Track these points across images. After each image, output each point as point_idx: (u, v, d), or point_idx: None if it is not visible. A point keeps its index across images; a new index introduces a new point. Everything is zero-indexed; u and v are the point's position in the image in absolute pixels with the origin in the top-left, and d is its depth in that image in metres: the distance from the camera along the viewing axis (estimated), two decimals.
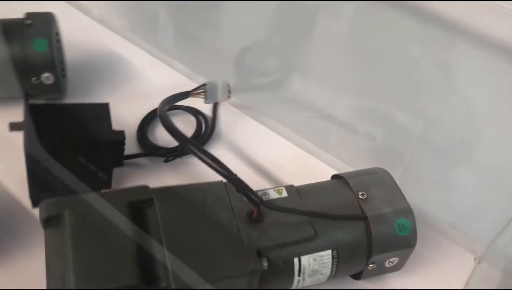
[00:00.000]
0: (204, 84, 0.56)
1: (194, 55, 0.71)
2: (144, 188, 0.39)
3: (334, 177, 0.47)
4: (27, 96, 0.46)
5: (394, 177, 0.45)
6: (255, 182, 0.41)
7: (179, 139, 0.40)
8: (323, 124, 0.64)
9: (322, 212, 0.41)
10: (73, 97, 0.60)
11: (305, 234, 0.40)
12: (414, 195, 0.45)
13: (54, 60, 0.54)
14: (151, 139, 0.57)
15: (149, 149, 0.55)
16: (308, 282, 0.41)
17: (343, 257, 0.41)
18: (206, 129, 0.58)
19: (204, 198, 0.40)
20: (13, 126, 0.44)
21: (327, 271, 0.41)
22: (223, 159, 0.38)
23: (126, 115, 0.58)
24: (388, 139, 0.61)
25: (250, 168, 0.56)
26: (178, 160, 0.55)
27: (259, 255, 0.38)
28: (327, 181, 0.46)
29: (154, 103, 0.53)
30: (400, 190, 0.44)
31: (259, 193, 0.41)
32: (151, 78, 0.66)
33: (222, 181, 0.41)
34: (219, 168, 0.38)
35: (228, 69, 0.67)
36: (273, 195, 0.42)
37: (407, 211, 0.42)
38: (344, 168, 0.50)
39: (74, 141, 0.45)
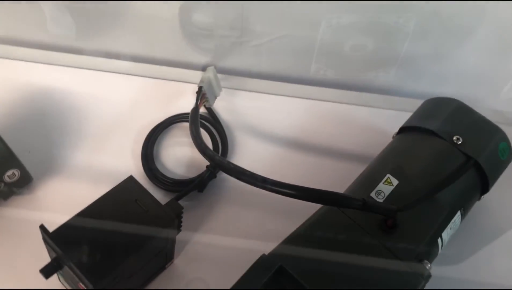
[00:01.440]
0: (200, 88, 0.45)
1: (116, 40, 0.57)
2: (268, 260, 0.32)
3: (404, 130, 0.43)
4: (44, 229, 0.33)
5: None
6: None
7: (248, 179, 0.34)
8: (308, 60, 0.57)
9: (441, 183, 0.37)
10: (42, 174, 0.45)
11: (442, 214, 0.37)
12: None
13: (12, 151, 0.39)
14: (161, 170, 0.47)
15: (165, 182, 0.45)
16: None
17: (468, 207, 0.39)
18: (220, 134, 0.49)
19: (329, 232, 0.34)
20: (47, 271, 0.33)
21: (457, 226, 0.39)
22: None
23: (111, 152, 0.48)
24: (380, 44, 0.57)
25: (285, 145, 0.50)
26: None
27: (420, 260, 0.34)
28: (410, 141, 0.42)
29: (137, 127, 0.47)
30: (480, 114, 0.41)
31: (373, 193, 0.36)
32: (103, 97, 0.53)
33: (336, 209, 0.35)
34: (343, 201, 0.32)
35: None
36: (386, 188, 0.37)
37: (501, 134, 0.40)
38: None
39: (127, 245, 0.34)
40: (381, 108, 0.55)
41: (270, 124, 0.52)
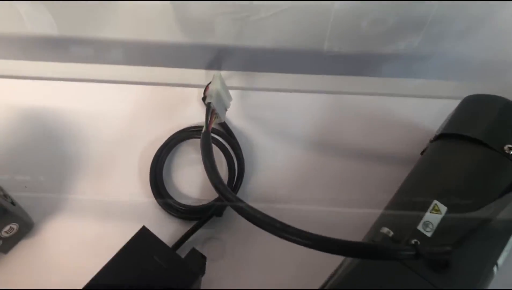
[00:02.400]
0: (209, 104, 0.39)
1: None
2: None
3: (442, 136, 0.38)
4: None
5: None
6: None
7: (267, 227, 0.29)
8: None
9: (497, 206, 0.33)
10: (43, 213, 0.41)
11: (497, 240, 0.32)
12: None
13: (6, 206, 0.34)
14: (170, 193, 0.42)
15: (179, 209, 0.41)
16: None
17: None
18: (234, 149, 0.43)
19: (374, 278, 0.31)
20: None
21: None
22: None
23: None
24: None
25: (308, 148, 0.45)
26: None
27: None
28: (453, 153, 0.37)
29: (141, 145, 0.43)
30: None
31: (420, 226, 0.32)
32: (99, 113, 0.47)
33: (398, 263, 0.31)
34: (392, 255, 0.28)
35: None
36: (434, 218, 0.33)
37: None
38: None
39: None
40: (410, 97, 0.49)
41: (288, 125, 0.47)
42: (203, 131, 0.37)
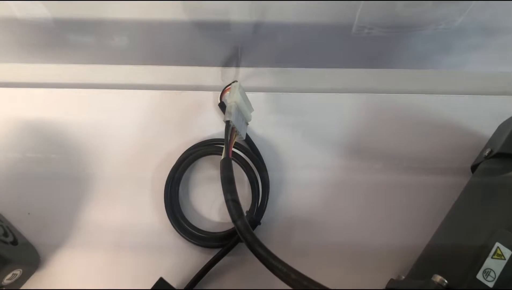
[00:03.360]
0: (228, 122, 0.34)
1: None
2: None
3: (502, 155, 0.32)
4: None
5: None
6: None
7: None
8: None
9: None
10: (49, 246, 0.37)
11: None
12: None
13: (5, 255, 0.31)
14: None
15: (200, 237, 0.37)
16: None
17: None
18: (256, 165, 0.39)
19: None
20: None
21: None
22: None
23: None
24: None
25: (342, 155, 0.40)
26: None
27: None
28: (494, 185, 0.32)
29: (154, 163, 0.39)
30: None
31: (480, 275, 0.27)
32: (104, 127, 0.42)
33: None
34: None
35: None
36: (497, 265, 0.28)
37: None
38: None
39: None
40: (455, 94, 0.43)
41: (319, 132, 0.41)
42: (223, 157, 0.32)
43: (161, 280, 0.29)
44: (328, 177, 0.39)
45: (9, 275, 0.32)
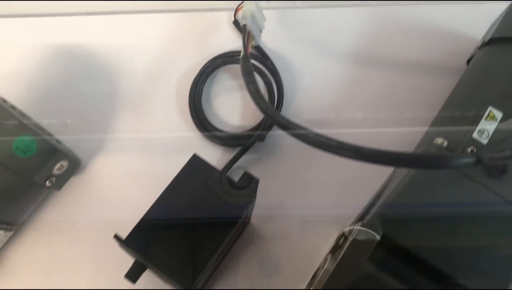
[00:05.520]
0: (244, 26, 0.38)
1: None
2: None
3: (493, 41, 0.36)
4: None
5: None
6: None
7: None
8: None
9: None
10: (88, 151, 0.41)
11: None
12: None
13: (55, 145, 0.35)
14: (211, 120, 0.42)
15: (222, 137, 0.41)
16: None
17: None
18: (272, 73, 0.42)
19: (432, 186, 0.30)
20: (133, 276, 0.30)
21: None
22: None
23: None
24: None
25: (351, 65, 0.44)
26: None
27: None
28: (506, 58, 0.35)
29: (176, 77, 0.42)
30: None
31: (476, 134, 0.31)
32: (128, 46, 0.46)
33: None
34: (452, 163, 0.27)
35: None
36: (490, 125, 0.32)
37: None
38: None
39: (211, 237, 0.31)
40: (448, 2, 0.46)
41: (326, 43, 0.45)
42: (241, 55, 0.36)
43: (194, 157, 0.33)
44: (334, 84, 0.43)
45: (57, 165, 0.35)
